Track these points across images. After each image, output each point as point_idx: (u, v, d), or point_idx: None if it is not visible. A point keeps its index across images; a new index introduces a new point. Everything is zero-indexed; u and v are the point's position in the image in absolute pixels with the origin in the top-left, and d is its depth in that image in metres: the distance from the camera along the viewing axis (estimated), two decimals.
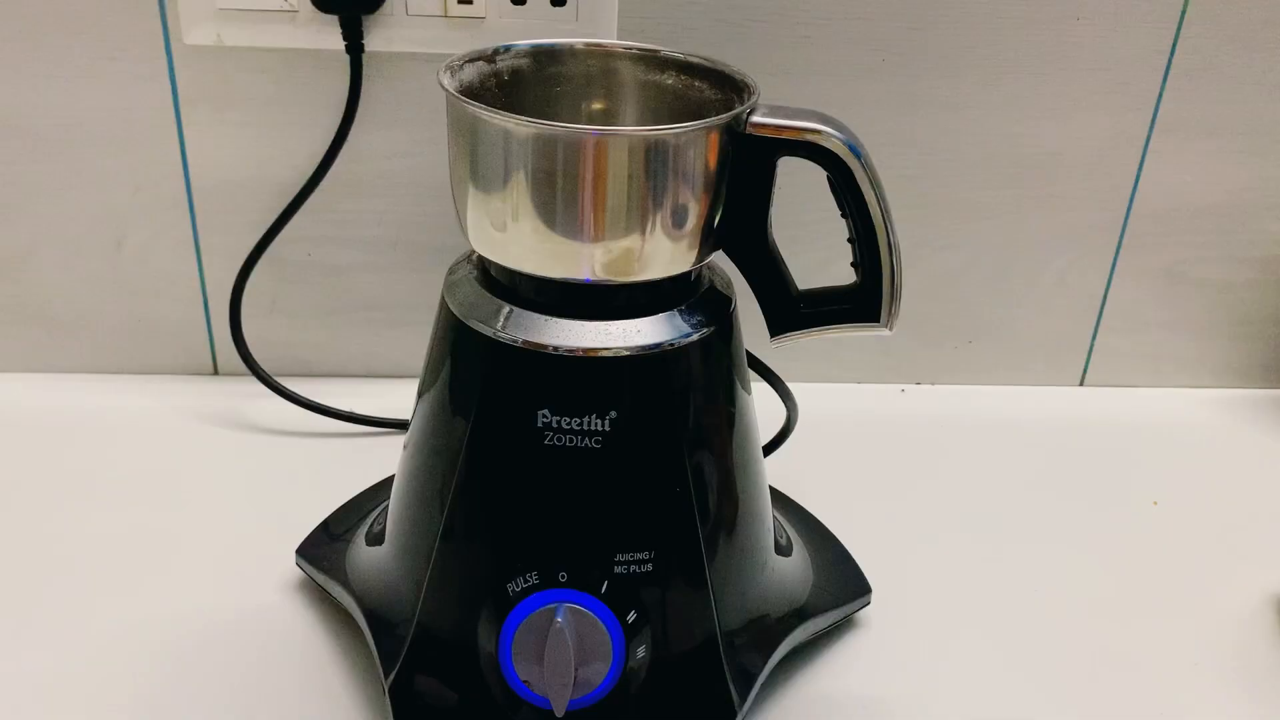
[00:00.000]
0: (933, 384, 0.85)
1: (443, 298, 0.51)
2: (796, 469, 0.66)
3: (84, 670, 0.55)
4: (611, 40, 0.53)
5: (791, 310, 0.50)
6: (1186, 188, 0.78)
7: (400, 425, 0.75)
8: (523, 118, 0.44)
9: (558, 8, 0.69)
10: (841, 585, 0.60)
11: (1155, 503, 0.73)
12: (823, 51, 0.72)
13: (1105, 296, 0.82)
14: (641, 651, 0.48)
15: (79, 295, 0.77)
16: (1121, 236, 0.80)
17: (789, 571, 0.56)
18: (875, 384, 0.84)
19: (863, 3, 0.71)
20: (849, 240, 0.49)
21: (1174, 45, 0.73)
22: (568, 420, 0.46)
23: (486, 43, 0.68)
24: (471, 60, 0.50)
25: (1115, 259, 0.80)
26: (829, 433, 0.75)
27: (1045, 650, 0.60)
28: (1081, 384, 0.85)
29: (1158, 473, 0.76)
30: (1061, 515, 0.71)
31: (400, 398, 0.77)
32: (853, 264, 0.49)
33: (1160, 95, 0.75)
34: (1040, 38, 0.72)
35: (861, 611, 0.60)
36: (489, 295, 0.49)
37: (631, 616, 0.48)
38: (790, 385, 0.61)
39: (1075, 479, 0.75)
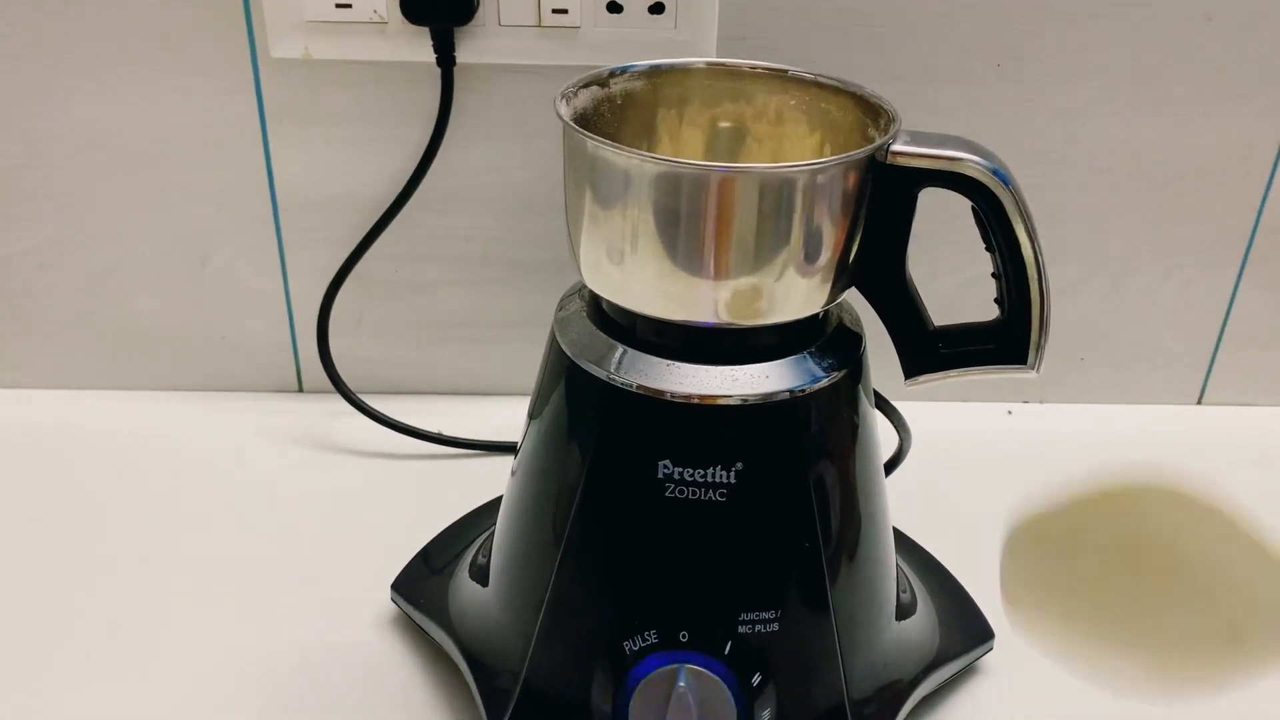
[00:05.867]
0: (1041, 402, 0.81)
1: (552, 334, 0.48)
2: (902, 494, 0.63)
3: (166, 711, 0.54)
4: (735, 58, 0.50)
5: (929, 350, 0.46)
6: None
7: (491, 447, 0.73)
8: (647, 154, 0.41)
9: (656, 15, 0.65)
10: (963, 632, 0.56)
11: None
12: (935, 57, 0.68)
13: (1228, 312, 0.77)
14: (766, 717, 0.45)
15: (163, 312, 0.75)
16: (1248, 250, 0.75)
17: (916, 631, 0.53)
18: (981, 402, 0.80)
19: (977, 6, 0.67)
20: (993, 275, 0.45)
21: None
22: (690, 472, 0.43)
23: (582, 54, 0.66)
24: (585, 85, 0.47)
25: (1240, 273, 0.76)
26: (936, 455, 0.71)
27: (1170, 695, 0.56)
28: (1200, 402, 0.81)
29: None
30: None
31: (490, 417, 0.75)
32: (996, 300, 0.46)
33: None
34: (1167, 40, 0.68)
35: (984, 657, 0.57)
36: (602, 334, 0.46)
37: (756, 679, 0.45)
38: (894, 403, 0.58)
39: None
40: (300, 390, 0.79)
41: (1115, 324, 0.78)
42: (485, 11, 0.65)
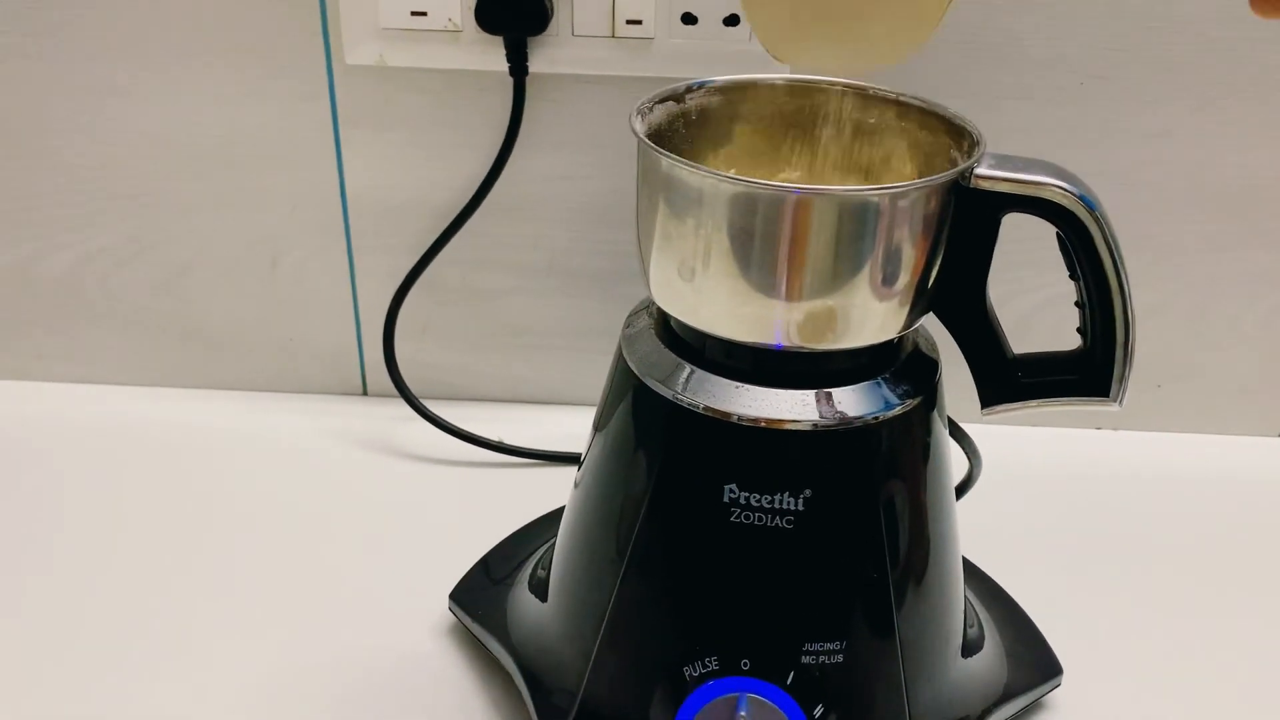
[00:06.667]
0: (1115, 429, 0.78)
1: (619, 350, 0.48)
2: (970, 521, 0.62)
3: (222, 715, 0.54)
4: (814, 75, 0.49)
5: (1008, 379, 0.45)
6: None
7: (552, 457, 0.73)
8: (723, 174, 0.40)
9: (730, 27, 0.65)
10: (1030, 665, 0.55)
11: None
12: (1016, 74, 0.66)
13: None
14: None
15: (233, 312, 0.76)
16: None
17: (983, 665, 0.51)
18: (1052, 427, 0.78)
19: (1061, 21, 0.65)
20: (1076, 304, 0.44)
21: None
22: (757, 497, 0.42)
23: (655, 65, 0.66)
24: (661, 101, 0.46)
25: None
26: (1006, 482, 0.69)
27: None
28: None
29: None
30: (1268, 584, 0.65)
31: (551, 426, 0.75)
32: (1078, 329, 0.45)
33: None
34: (1263, 56, 0.65)
35: (1050, 694, 0.55)
36: (669, 353, 0.45)
37: (818, 711, 0.44)
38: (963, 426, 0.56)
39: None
40: (364, 393, 0.79)
41: (1195, 351, 0.75)
42: (559, 21, 0.64)
